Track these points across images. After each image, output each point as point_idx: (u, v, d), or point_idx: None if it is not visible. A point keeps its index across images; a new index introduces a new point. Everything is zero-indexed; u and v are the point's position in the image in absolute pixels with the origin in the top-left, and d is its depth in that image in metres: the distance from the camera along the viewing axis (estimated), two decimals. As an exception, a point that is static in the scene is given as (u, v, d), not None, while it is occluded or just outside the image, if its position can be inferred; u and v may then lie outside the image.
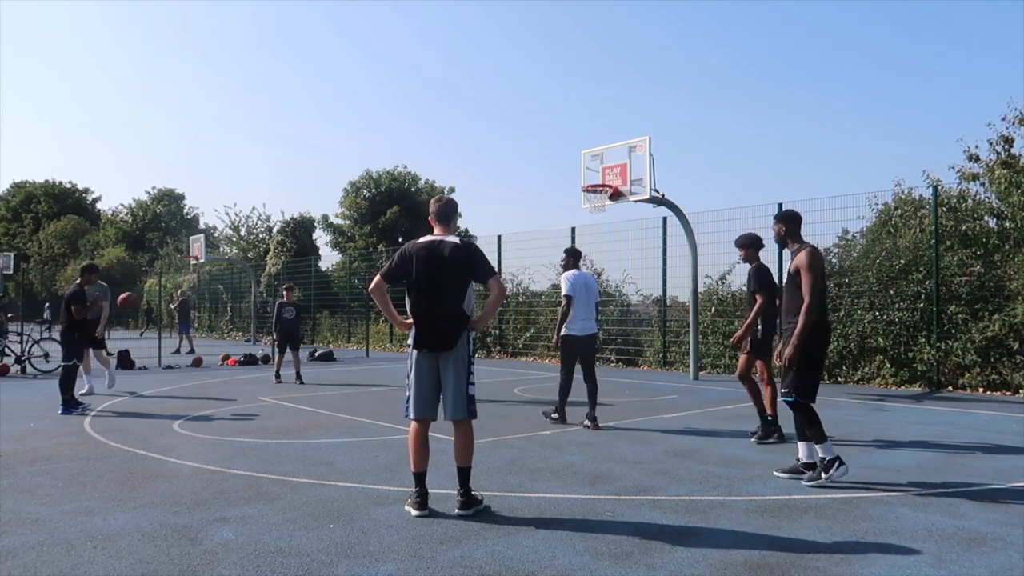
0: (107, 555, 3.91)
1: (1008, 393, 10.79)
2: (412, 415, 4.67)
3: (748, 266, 7.60)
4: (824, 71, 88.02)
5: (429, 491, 4.70)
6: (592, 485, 5.37)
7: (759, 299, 7.25)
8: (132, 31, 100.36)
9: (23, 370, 14.92)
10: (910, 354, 11.81)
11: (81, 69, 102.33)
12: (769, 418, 7.28)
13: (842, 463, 5.29)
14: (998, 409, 9.25)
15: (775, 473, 5.68)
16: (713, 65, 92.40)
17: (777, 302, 6.94)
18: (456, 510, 4.60)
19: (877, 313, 12.21)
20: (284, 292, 13.28)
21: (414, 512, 4.59)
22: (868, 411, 9.18)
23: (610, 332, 16.90)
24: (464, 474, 4.65)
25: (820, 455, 5.36)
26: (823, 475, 5.30)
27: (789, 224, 5.64)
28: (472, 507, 4.61)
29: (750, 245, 7.62)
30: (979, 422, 8.25)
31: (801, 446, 5.63)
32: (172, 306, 22.28)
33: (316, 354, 18.14)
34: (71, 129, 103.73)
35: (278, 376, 12.74)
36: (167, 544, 4.07)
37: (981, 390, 11.05)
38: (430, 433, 4.77)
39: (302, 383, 12.38)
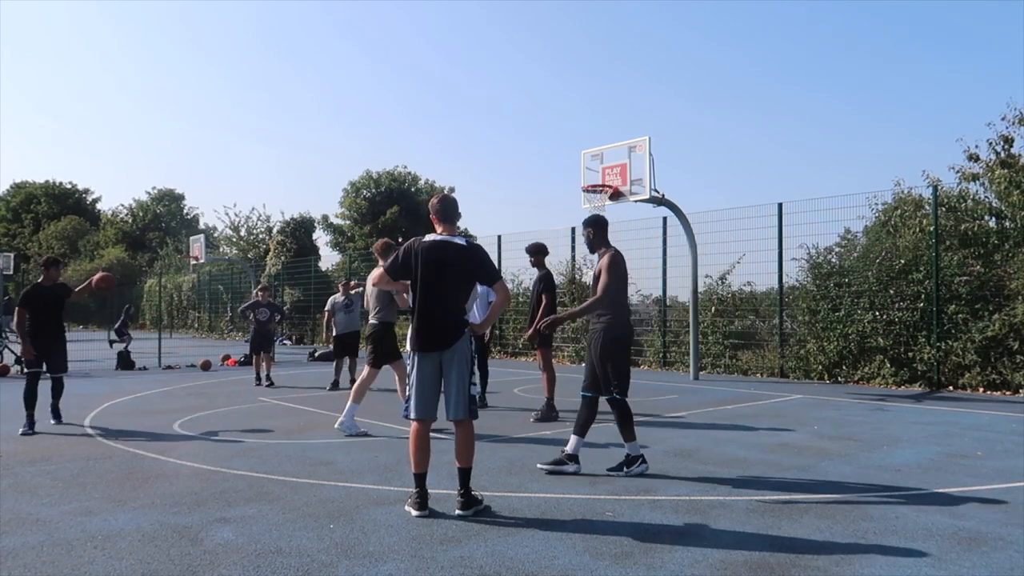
0: (107, 555, 3.91)
1: (1008, 393, 10.79)
2: (413, 415, 4.66)
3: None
4: (824, 71, 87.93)
5: (429, 491, 4.69)
6: (592, 485, 5.37)
7: (546, 299, 8.42)
8: (132, 31, 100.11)
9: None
10: (910, 354, 11.81)
11: (81, 69, 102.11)
12: (548, 400, 8.49)
13: (644, 461, 5.62)
14: (998, 409, 9.25)
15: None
16: (713, 65, 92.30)
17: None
18: (456, 510, 4.60)
19: (877, 313, 12.21)
20: (259, 293, 13.14)
21: (414, 512, 4.59)
22: (868, 411, 9.18)
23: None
24: (464, 474, 4.65)
25: (628, 452, 5.65)
26: (625, 469, 5.61)
27: (596, 229, 5.89)
28: (472, 507, 4.61)
29: (539, 252, 8.79)
30: (979, 422, 8.25)
31: (572, 439, 5.78)
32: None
33: (316, 354, 18.14)
34: (71, 129, 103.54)
35: (259, 379, 12.23)
36: (167, 544, 4.08)
37: (981, 390, 11.06)
38: (430, 433, 4.77)
39: (271, 385, 12.00)
